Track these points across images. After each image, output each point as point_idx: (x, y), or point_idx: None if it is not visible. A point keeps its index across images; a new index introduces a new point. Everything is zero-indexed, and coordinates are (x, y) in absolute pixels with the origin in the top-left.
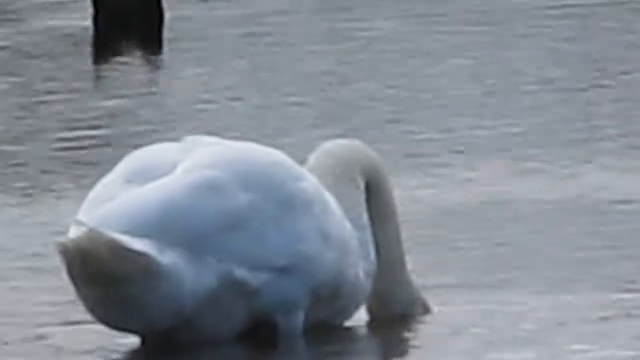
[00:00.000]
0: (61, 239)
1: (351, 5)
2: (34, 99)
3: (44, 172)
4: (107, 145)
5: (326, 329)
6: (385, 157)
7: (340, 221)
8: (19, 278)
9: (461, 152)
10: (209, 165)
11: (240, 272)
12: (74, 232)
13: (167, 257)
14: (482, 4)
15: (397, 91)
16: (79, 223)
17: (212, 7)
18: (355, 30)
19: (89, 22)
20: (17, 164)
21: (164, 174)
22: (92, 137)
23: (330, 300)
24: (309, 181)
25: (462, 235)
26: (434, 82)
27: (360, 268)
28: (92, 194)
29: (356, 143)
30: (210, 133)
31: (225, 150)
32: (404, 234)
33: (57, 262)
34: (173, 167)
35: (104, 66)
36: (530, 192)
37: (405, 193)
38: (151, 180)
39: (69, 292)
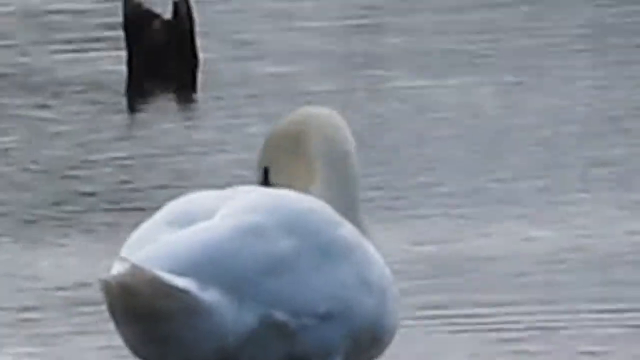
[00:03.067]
0: (104, 275)
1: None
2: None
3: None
4: (140, 190)
5: None
6: None
7: (380, 268)
8: None
9: None
10: (250, 211)
11: (281, 316)
12: (116, 269)
13: (208, 296)
14: None
15: None
16: (122, 260)
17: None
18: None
19: (123, 65)
20: (55, 203)
21: (205, 219)
22: (124, 182)
23: (368, 345)
24: (348, 228)
25: None
26: None
27: (398, 314)
28: (133, 237)
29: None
30: (244, 182)
31: (265, 196)
32: None
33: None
34: (213, 213)
35: (137, 108)
36: None
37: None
38: (192, 224)
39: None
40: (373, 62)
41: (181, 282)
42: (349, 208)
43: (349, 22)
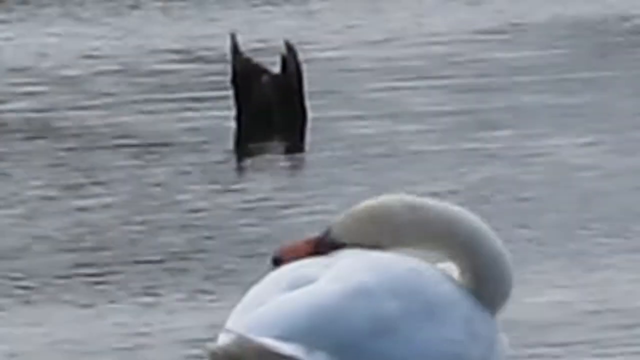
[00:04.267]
0: (210, 346)
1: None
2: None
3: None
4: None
5: None
6: None
7: (487, 319)
8: None
9: None
10: (353, 273)
11: None
12: (222, 339)
13: (316, 359)
14: None
15: None
16: (228, 331)
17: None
18: None
19: (232, 122)
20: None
21: (310, 284)
22: (237, 242)
23: None
24: (451, 283)
25: None
26: None
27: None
28: (240, 304)
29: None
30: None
31: (367, 259)
32: None
33: None
34: (318, 277)
35: (246, 164)
36: None
37: None
38: (299, 287)
39: None
40: (482, 122)
41: (288, 348)
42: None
43: (457, 80)
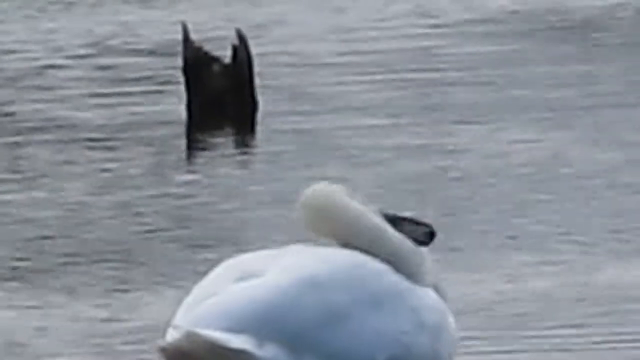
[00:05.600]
0: (160, 342)
1: None
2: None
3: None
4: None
5: None
6: None
7: (434, 305)
8: None
9: None
10: (301, 267)
11: None
12: (171, 335)
13: (265, 352)
14: None
15: None
16: (176, 327)
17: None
18: None
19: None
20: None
21: (257, 277)
22: (187, 231)
23: None
24: (394, 275)
25: None
26: None
27: (454, 346)
28: (188, 298)
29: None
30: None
31: (314, 253)
32: None
33: None
34: (265, 271)
35: (196, 152)
36: None
37: None
38: (246, 281)
39: None
40: (431, 117)
41: (237, 341)
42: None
43: (407, 75)
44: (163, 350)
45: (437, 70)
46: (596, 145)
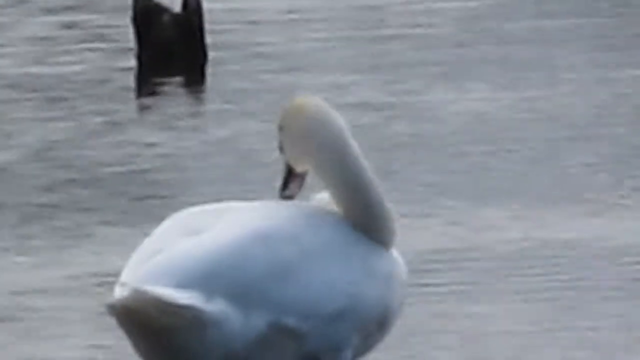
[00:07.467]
0: (109, 300)
1: None
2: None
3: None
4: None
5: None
6: None
7: (383, 254)
8: None
9: None
10: (248, 221)
11: (288, 320)
12: (119, 293)
13: (213, 306)
14: None
15: None
16: (124, 284)
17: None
18: None
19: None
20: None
21: (205, 232)
22: (142, 182)
23: (375, 332)
24: (344, 225)
25: None
26: None
27: (405, 294)
28: (135, 254)
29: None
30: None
31: (260, 208)
32: None
33: None
34: (212, 226)
35: (146, 101)
36: None
37: None
38: (193, 236)
39: None
40: (384, 75)
41: (185, 298)
42: (354, 186)
43: (363, 32)
44: (111, 307)
45: (389, 26)
46: None
